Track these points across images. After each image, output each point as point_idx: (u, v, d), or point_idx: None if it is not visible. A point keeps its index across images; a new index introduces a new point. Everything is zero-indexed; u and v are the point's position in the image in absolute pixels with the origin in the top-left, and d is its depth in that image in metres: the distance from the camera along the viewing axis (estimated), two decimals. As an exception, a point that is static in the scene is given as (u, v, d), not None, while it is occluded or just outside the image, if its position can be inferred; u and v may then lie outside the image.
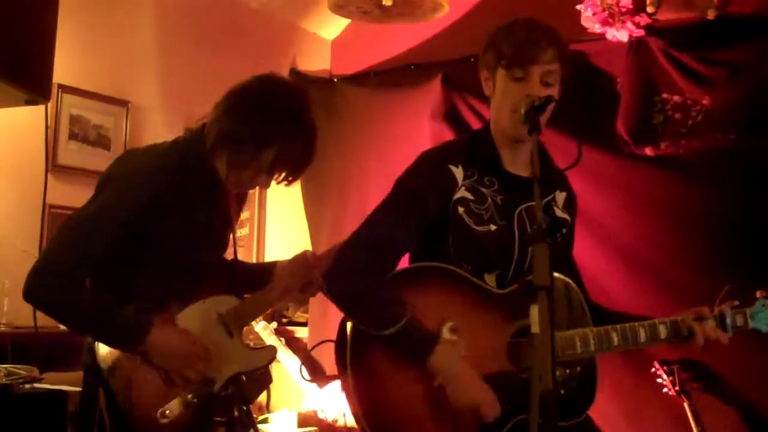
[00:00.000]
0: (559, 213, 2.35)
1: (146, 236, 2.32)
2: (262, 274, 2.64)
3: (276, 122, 2.33)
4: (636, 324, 2.23)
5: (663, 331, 2.23)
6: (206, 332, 2.42)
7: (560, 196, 2.38)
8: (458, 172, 2.26)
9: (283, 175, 2.40)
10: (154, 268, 2.36)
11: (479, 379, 2.13)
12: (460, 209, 2.23)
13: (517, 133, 2.18)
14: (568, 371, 2.19)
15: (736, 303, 2.30)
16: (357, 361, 2.18)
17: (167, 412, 2.28)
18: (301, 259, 2.63)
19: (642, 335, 2.22)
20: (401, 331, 2.12)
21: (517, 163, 2.29)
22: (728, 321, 2.27)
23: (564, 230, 2.34)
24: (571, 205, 2.40)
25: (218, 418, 2.56)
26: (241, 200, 2.69)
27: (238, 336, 2.50)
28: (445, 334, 2.16)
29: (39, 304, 2.25)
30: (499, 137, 2.29)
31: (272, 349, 2.64)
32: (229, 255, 2.66)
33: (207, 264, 2.52)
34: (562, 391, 2.17)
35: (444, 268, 2.21)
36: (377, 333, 2.15)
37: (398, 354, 2.15)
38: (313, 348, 2.48)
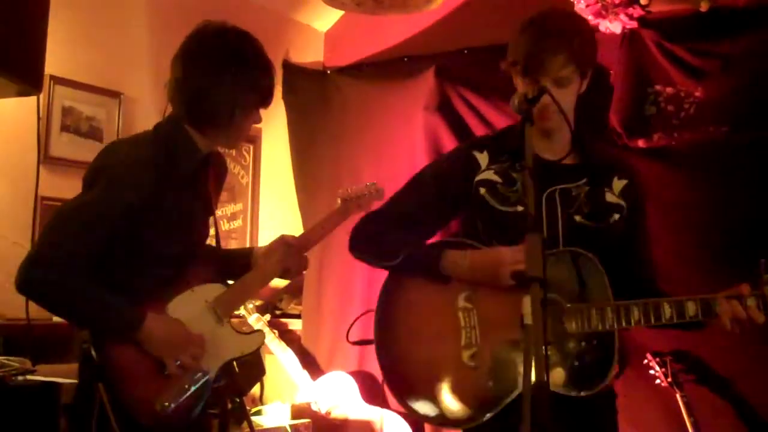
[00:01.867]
0: (612, 198, 2.36)
1: (137, 227, 2.33)
2: (242, 259, 2.67)
3: (244, 68, 2.40)
4: (661, 300, 2.16)
5: (692, 308, 2.14)
6: (197, 320, 2.43)
7: (618, 183, 2.39)
8: (482, 157, 2.36)
9: (268, 101, 2.49)
10: (142, 259, 2.38)
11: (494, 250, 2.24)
12: (482, 190, 2.32)
13: (542, 125, 2.25)
14: (583, 343, 2.19)
15: None
16: (382, 323, 2.32)
17: (166, 403, 2.30)
18: (279, 244, 2.65)
19: (667, 311, 2.15)
20: (410, 252, 2.29)
21: (554, 150, 2.32)
22: None
23: (617, 215, 2.34)
24: (630, 192, 2.39)
25: (211, 411, 2.58)
26: (219, 186, 2.70)
27: (228, 322, 2.51)
28: (461, 302, 2.25)
29: (33, 296, 2.26)
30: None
31: (261, 334, 2.66)
32: (212, 241, 2.68)
33: (192, 253, 2.53)
34: (576, 363, 2.18)
35: (462, 243, 2.31)
36: (388, 264, 2.33)
37: (416, 278, 2.30)
38: (359, 317, 2.53)
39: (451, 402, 2.22)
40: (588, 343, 2.20)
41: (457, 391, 2.21)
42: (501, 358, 2.20)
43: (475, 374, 2.21)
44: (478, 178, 2.33)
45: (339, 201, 2.88)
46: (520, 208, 2.27)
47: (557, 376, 2.17)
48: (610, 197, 2.36)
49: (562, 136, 2.33)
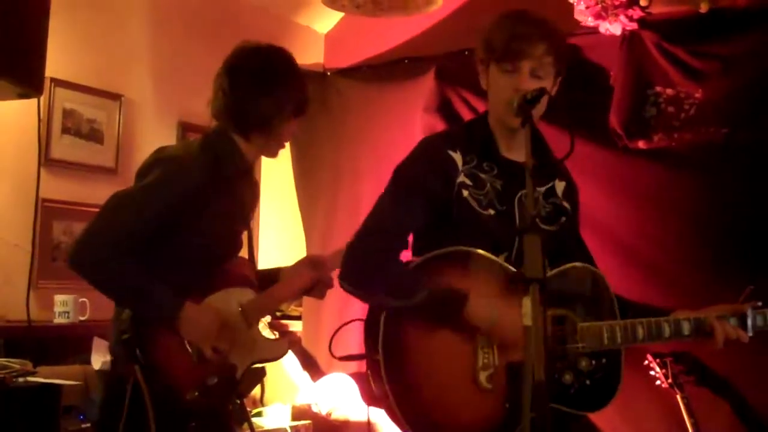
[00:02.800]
0: (559, 201, 2.37)
1: (180, 225, 2.44)
2: (272, 275, 2.78)
3: (286, 81, 2.60)
4: (661, 319, 2.25)
5: (686, 328, 2.26)
6: (228, 319, 2.53)
7: (559, 185, 2.39)
8: (458, 158, 2.26)
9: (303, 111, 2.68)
10: (181, 257, 2.48)
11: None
12: (465, 192, 2.23)
13: (512, 123, 2.19)
14: (594, 362, 2.21)
15: (759, 304, 2.30)
16: (388, 343, 2.15)
17: (196, 393, 2.40)
18: (306, 262, 2.78)
19: (666, 330, 2.25)
20: (429, 295, 2.09)
21: (515, 149, 2.29)
22: (749, 321, 2.27)
23: (563, 218, 2.34)
24: (570, 194, 2.41)
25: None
26: (253, 205, 2.84)
27: (256, 327, 2.62)
28: None
29: (81, 273, 2.37)
30: (496, 126, 2.31)
31: (285, 343, 2.76)
32: (244, 252, 2.78)
33: (227, 259, 2.66)
34: (588, 382, 2.20)
35: (471, 253, 2.18)
36: (405, 304, 2.11)
37: (431, 322, 2.13)
38: (340, 327, 2.47)
39: (466, 425, 2.14)
40: (597, 361, 2.22)
41: (473, 413, 2.13)
42: (518, 379, 2.11)
43: (492, 396, 2.13)
44: (458, 180, 2.23)
45: None
46: (491, 212, 2.23)
47: (572, 395, 2.17)
48: (558, 200, 2.37)
49: (522, 134, 2.22)
